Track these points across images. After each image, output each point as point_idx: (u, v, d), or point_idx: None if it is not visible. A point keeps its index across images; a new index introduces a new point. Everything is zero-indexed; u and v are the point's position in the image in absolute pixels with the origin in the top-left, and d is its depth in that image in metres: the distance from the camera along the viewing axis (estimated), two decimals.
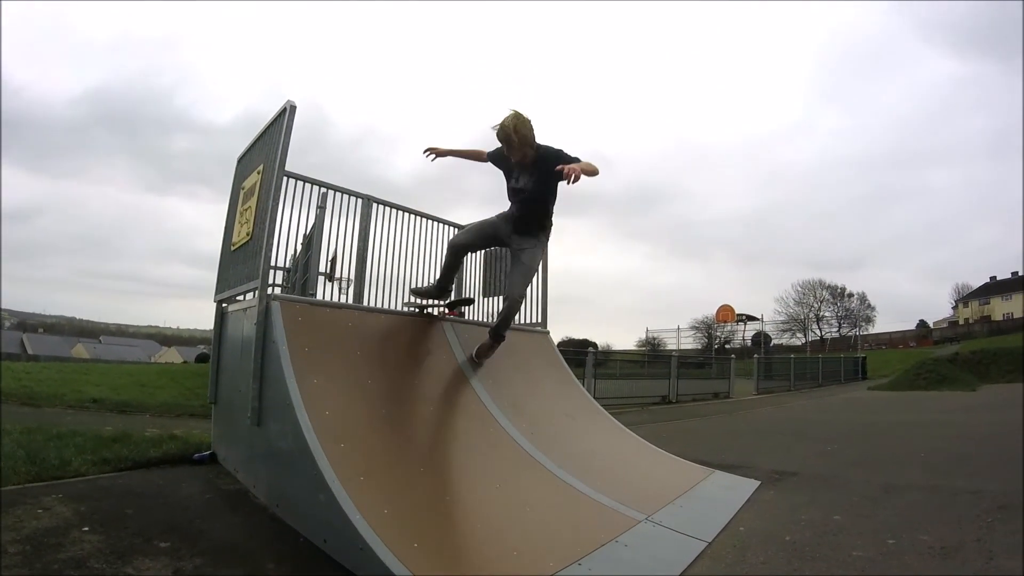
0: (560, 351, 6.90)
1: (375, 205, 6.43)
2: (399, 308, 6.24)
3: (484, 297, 7.41)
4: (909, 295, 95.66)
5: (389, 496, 3.06)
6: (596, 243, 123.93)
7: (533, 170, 4.60)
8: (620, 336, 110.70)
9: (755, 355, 27.01)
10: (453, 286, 5.64)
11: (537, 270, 5.23)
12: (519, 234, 4.86)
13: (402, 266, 6.70)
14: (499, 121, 4.46)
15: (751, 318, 59.86)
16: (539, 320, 7.11)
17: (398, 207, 6.75)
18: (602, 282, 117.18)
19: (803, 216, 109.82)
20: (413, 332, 4.88)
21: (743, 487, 4.96)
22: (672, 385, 17.37)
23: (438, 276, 5.30)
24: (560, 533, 3.30)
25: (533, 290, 7.08)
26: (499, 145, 4.61)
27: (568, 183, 4.16)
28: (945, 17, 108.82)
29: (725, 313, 58.90)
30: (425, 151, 5.02)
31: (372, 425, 3.61)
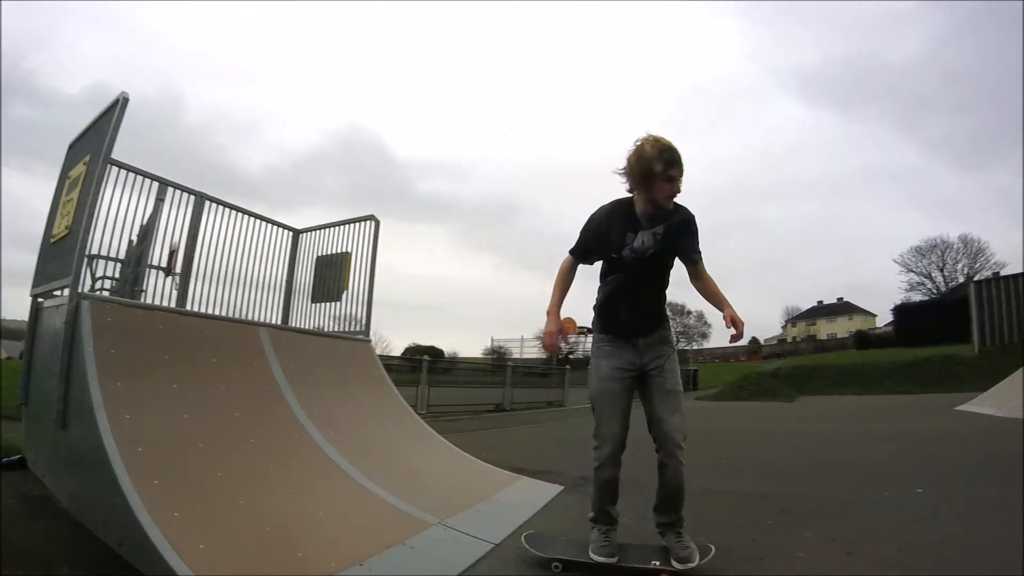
0: (400, 358, 7.02)
1: (207, 203, 6.37)
2: (220, 312, 6.20)
3: (313, 303, 7.44)
4: (743, 314, 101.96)
5: (182, 500, 3.10)
6: (451, 251, 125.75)
7: (664, 222, 3.38)
8: (468, 344, 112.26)
9: (589, 367, 28.00)
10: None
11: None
12: (644, 338, 3.52)
13: (233, 267, 6.66)
14: (632, 155, 3.24)
15: (591, 331, 61.85)
16: (362, 328, 7.15)
17: (232, 207, 6.69)
18: (454, 290, 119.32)
19: None
20: (227, 337, 4.84)
21: (545, 492, 5.19)
22: (507, 393, 17.77)
23: (593, 506, 3.60)
24: (349, 536, 3.41)
25: (357, 295, 7.19)
26: (589, 228, 3.48)
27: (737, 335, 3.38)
28: (797, 68, 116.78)
29: (568, 325, 60.35)
30: (549, 348, 3.71)
31: (171, 430, 3.61)
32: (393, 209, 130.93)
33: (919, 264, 60.13)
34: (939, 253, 59.29)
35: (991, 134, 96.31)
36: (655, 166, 3.15)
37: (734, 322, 3.38)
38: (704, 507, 4.92)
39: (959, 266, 58.57)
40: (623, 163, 3.27)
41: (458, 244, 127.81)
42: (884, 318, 65.41)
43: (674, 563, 3.24)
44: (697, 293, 3.58)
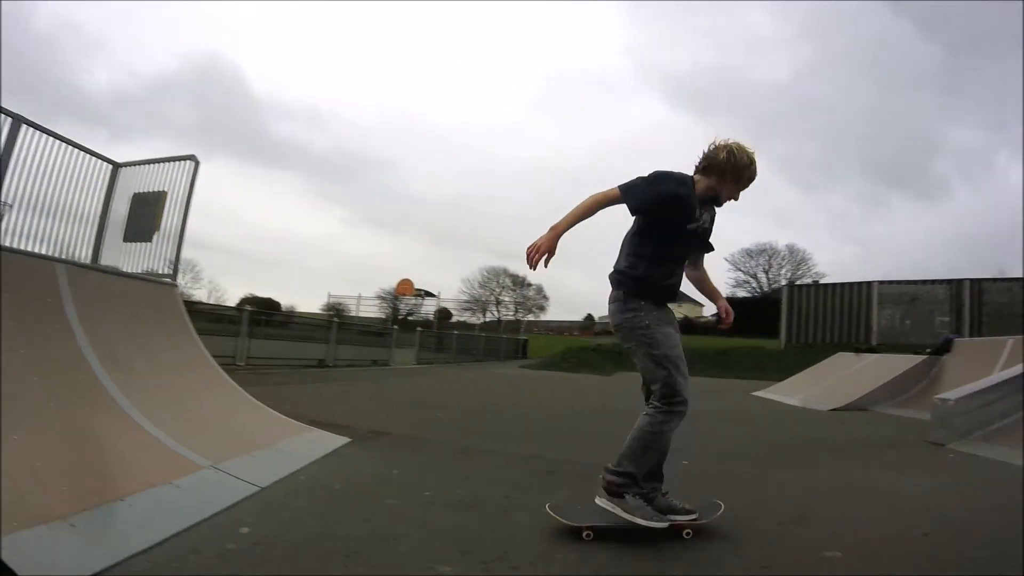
0: (221, 307, 6.99)
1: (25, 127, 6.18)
2: (24, 245, 6.06)
3: (124, 242, 7.31)
4: (583, 291, 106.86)
5: None
6: (300, 200, 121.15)
7: (708, 213, 3.63)
8: (309, 298, 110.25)
9: (417, 328, 28.48)
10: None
11: None
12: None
13: (46, 198, 6.51)
14: (724, 150, 3.50)
15: (429, 294, 62.66)
16: (168, 271, 7.09)
17: (50, 133, 6.50)
18: (299, 241, 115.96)
19: (501, 209, 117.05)
20: (22, 272, 4.69)
21: (329, 443, 5.45)
22: (330, 350, 17.84)
23: (640, 468, 3.41)
24: (119, 473, 3.50)
25: (167, 233, 7.13)
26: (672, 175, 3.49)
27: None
28: (666, 70, 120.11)
29: (404, 286, 60.68)
30: (533, 258, 3.35)
31: None
32: (244, 150, 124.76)
33: (747, 264, 67.20)
34: (767, 257, 66.50)
35: (832, 161, 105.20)
36: (745, 171, 3.50)
37: (727, 312, 3.84)
38: (480, 464, 5.33)
39: (783, 271, 65.68)
40: (712, 150, 3.51)
41: (308, 193, 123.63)
42: (710, 308, 70.61)
43: (682, 518, 3.40)
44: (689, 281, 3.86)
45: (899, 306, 29.95)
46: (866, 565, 3.16)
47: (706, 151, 3.54)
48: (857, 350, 18.80)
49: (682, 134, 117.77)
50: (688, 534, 3.36)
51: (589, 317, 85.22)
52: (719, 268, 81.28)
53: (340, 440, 5.65)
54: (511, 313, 76.36)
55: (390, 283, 64.08)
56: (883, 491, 4.99)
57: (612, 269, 3.67)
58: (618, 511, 3.28)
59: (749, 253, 66.11)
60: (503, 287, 76.75)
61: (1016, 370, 8.77)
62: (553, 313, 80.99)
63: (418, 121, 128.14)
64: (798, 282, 51.55)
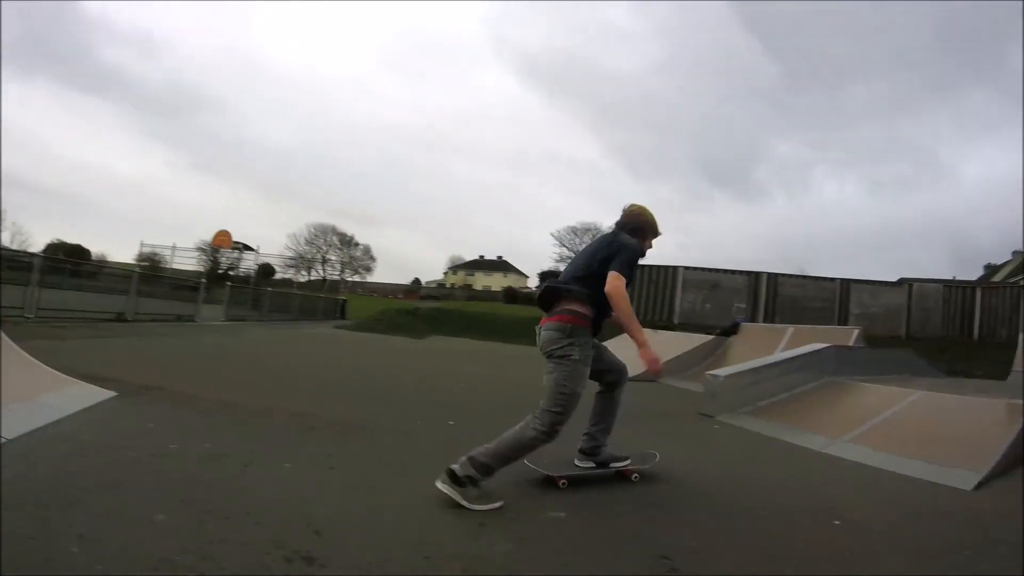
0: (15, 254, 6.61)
1: None
2: None
3: None
4: (413, 256, 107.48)
5: None
6: (120, 136, 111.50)
7: None
8: (123, 247, 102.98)
9: (227, 283, 27.75)
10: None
11: None
12: None
13: None
14: (644, 213, 4.46)
15: (247, 247, 60.89)
16: None
17: None
18: (117, 183, 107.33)
19: (337, 164, 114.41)
20: None
21: (91, 396, 5.45)
22: (131, 303, 17.22)
23: (501, 465, 3.80)
24: None
25: None
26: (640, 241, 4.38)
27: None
28: (520, 46, 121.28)
29: (221, 238, 58.46)
30: (658, 372, 4.28)
31: None
32: (64, 74, 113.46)
33: (572, 241, 70.37)
34: (592, 235, 69.46)
35: (665, 154, 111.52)
36: (657, 227, 4.51)
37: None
38: (245, 420, 5.47)
39: None
40: (637, 215, 4.43)
41: (132, 130, 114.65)
42: (535, 280, 73.98)
43: (620, 465, 4.59)
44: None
45: (701, 291, 32.45)
46: (590, 523, 3.56)
47: (630, 217, 4.42)
48: (654, 326, 20.20)
49: (526, 110, 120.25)
50: (636, 477, 4.53)
51: (416, 281, 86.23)
52: (545, 243, 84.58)
53: (106, 394, 5.65)
54: (337, 273, 75.84)
55: (211, 234, 61.88)
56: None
57: (557, 289, 4.13)
58: (456, 496, 3.53)
59: (574, 231, 69.51)
60: (330, 245, 76.22)
61: (786, 354, 9.96)
62: (380, 275, 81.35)
63: (259, 61, 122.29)
64: None
